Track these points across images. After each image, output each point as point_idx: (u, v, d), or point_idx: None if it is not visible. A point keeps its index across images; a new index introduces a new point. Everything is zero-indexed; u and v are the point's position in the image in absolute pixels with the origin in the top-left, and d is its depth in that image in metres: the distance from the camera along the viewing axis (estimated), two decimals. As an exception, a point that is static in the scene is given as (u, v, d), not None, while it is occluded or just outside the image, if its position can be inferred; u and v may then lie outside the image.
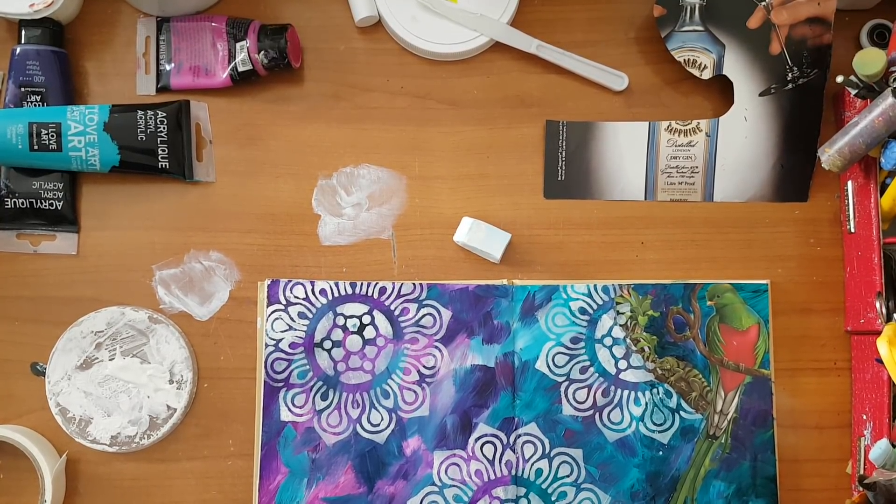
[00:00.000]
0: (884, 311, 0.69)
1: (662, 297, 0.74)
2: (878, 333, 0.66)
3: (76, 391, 0.73)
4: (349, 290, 0.75)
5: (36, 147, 0.73)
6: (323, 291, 0.75)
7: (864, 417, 0.71)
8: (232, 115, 0.78)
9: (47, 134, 0.72)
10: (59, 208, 0.75)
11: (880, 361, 0.66)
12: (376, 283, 0.75)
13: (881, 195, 0.70)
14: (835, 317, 0.75)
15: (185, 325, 0.75)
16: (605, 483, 0.72)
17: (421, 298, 0.75)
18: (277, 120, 0.78)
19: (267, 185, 0.77)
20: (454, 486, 0.73)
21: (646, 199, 0.77)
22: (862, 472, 0.71)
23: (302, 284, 0.75)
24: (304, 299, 0.75)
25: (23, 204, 0.75)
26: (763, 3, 0.75)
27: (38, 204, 0.75)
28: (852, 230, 0.74)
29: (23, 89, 0.75)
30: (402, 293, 0.75)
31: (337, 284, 0.75)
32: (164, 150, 0.75)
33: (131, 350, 0.74)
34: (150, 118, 0.74)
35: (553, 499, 0.72)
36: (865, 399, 0.72)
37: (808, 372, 0.75)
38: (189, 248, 0.76)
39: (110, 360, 0.74)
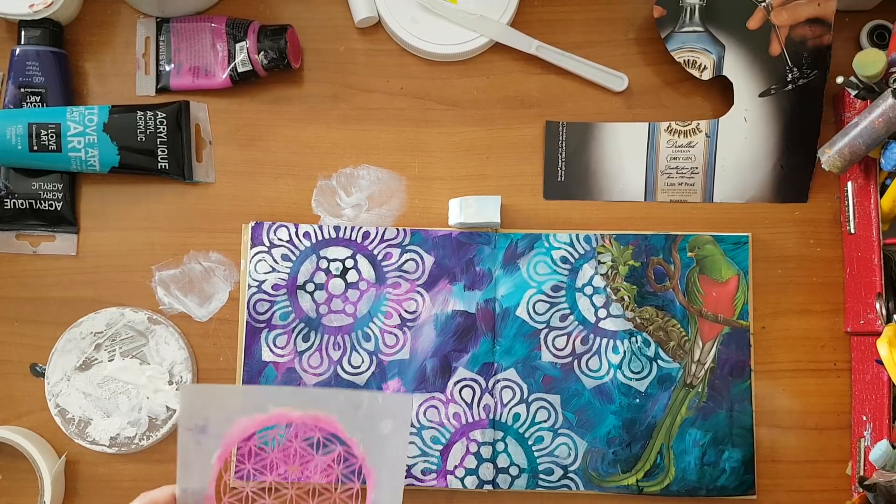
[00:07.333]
0: (884, 312, 0.68)
1: (643, 247, 0.75)
2: (878, 335, 0.66)
3: (75, 392, 0.73)
4: (333, 234, 0.75)
5: (35, 148, 0.72)
6: (307, 234, 0.75)
7: (864, 419, 0.71)
8: (231, 115, 0.78)
9: (47, 135, 0.72)
10: (59, 209, 0.75)
11: (880, 362, 0.66)
12: (360, 228, 0.75)
13: (881, 196, 0.70)
14: (834, 318, 0.75)
15: (185, 326, 0.75)
16: (582, 429, 0.73)
17: (404, 244, 0.75)
18: (277, 120, 0.78)
19: (266, 186, 0.77)
20: (432, 427, 0.73)
21: (645, 199, 0.77)
22: (862, 473, 0.71)
23: (286, 227, 0.75)
24: (287, 242, 0.75)
25: (22, 204, 0.75)
26: (763, 4, 0.75)
27: (38, 205, 0.75)
28: (852, 231, 0.73)
29: (22, 90, 0.74)
30: (385, 238, 0.75)
31: (321, 227, 0.75)
32: (163, 151, 0.75)
33: (131, 351, 0.74)
34: (150, 119, 0.74)
35: (530, 443, 0.73)
36: (865, 400, 0.72)
37: (808, 373, 0.75)
38: (188, 248, 0.76)
39: (109, 361, 0.74)
